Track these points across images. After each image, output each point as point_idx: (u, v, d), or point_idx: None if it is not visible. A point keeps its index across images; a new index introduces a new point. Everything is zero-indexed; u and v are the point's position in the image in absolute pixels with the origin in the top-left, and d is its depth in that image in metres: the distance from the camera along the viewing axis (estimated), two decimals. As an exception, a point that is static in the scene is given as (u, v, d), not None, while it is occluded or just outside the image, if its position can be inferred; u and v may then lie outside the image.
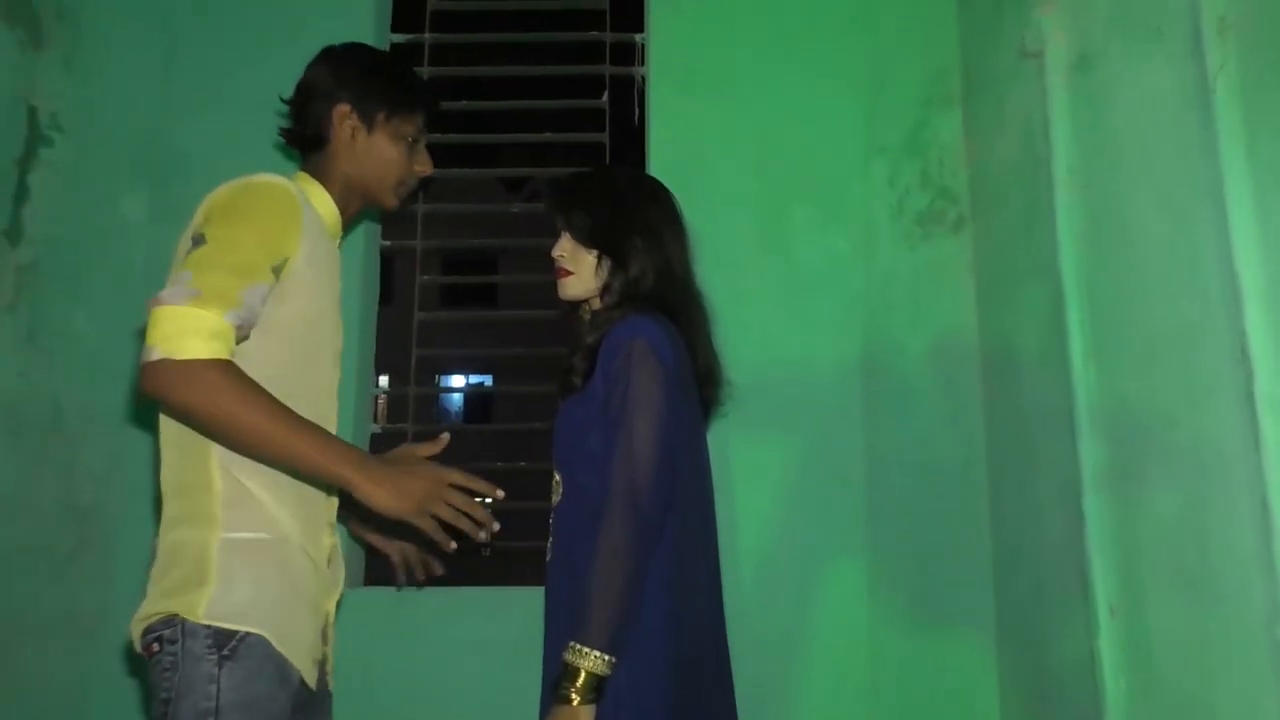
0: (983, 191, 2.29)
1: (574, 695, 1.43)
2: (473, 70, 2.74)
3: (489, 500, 1.47)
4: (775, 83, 2.52)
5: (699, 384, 1.77)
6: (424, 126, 1.67)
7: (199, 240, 1.36)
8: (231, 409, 1.27)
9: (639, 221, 1.75)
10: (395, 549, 1.92)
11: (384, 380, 12.31)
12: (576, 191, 1.81)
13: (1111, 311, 1.66)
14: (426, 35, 2.71)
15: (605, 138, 2.69)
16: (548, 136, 2.72)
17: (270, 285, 1.38)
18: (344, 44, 1.71)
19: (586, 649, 1.44)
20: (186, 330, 1.26)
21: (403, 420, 2.62)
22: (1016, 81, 2.02)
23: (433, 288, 14.64)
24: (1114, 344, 1.65)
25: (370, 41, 2.55)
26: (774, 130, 2.50)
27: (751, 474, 2.33)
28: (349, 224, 1.71)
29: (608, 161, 2.67)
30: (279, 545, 1.41)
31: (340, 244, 1.72)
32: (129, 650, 2.21)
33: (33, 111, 2.27)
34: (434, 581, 2.46)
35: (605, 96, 2.69)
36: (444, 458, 1.51)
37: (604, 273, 1.75)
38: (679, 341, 1.67)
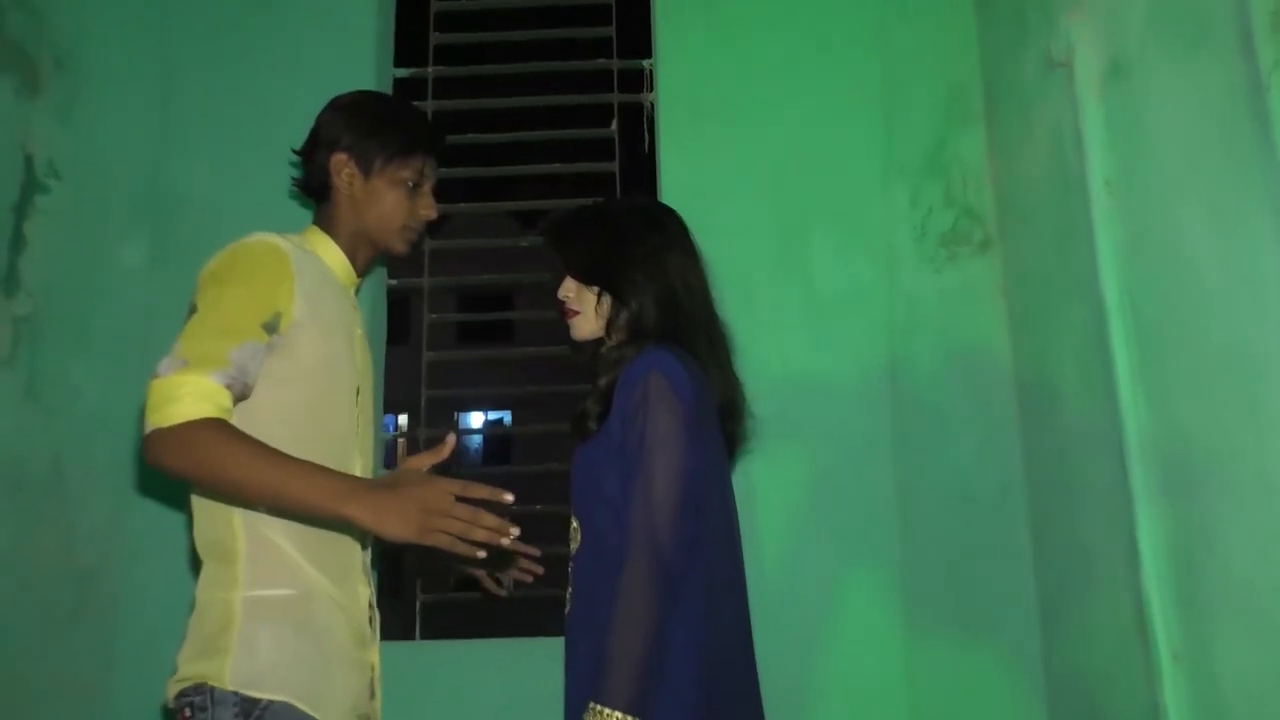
0: (1010, 210, 2.19)
1: None
2: (478, 103, 2.68)
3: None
4: (788, 105, 2.44)
5: (721, 418, 1.67)
6: (427, 170, 1.65)
7: (191, 311, 1.40)
8: (218, 463, 1.27)
9: (637, 252, 1.67)
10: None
11: (402, 419, 12.25)
12: (573, 228, 1.74)
13: (1160, 334, 1.56)
14: (430, 69, 2.65)
15: (615, 167, 2.62)
16: (556, 168, 2.65)
17: (263, 343, 1.39)
18: (351, 92, 1.71)
19: (608, 710, 1.35)
20: (172, 397, 1.29)
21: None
22: (1043, 94, 1.93)
23: (446, 325, 14.67)
24: (1164, 369, 1.55)
25: (372, 77, 2.50)
26: (789, 153, 2.42)
27: (777, 510, 2.23)
28: (365, 269, 1.68)
29: (618, 191, 2.59)
30: (305, 601, 1.40)
31: (358, 289, 1.68)
32: (135, 715, 2.13)
33: (29, 159, 2.21)
34: (449, 633, 2.37)
35: (614, 125, 2.62)
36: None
37: (605, 309, 1.68)
38: (698, 373, 1.58)
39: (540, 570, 1.92)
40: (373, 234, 1.62)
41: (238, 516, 1.41)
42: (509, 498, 1.34)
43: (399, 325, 2.72)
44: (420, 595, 2.40)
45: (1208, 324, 1.41)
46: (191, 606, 1.45)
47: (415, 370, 2.59)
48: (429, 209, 1.65)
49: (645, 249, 1.67)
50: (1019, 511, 2.12)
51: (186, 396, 1.29)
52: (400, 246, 1.65)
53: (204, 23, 2.54)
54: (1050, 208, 1.93)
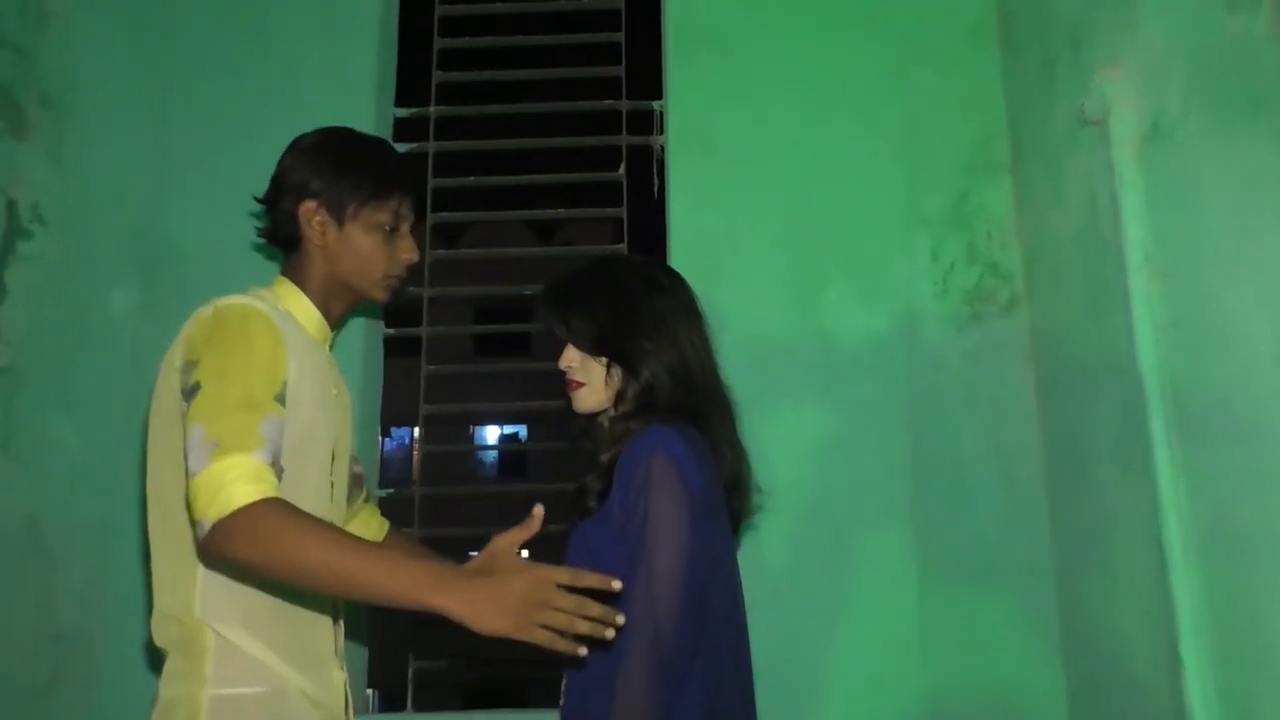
0: (1039, 269, 2.07)
1: None
2: (480, 144, 2.58)
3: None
4: (805, 150, 2.34)
5: (726, 493, 1.57)
6: (404, 210, 1.53)
7: (195, 389, 1.29)
8: (294, 550, 1.17)
9: (645, 320, 1.55)
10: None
11: (417, 432, 12.17)
12: (573, 294, 1.62)
13: (1205, 422, 1.44)
14: (432, 109, 2.56)
15: (623, 212, 2.51)
16: (561, 213, 2.56)
17: (282, 416, 1.30)
18: (315, 131, 1.59)
19: None
20: (222, 484, 1.19)
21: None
22: (1075, 151, 1.81)
23: (463, 338, 14.63)
24: (1210, 460, 1.43)
25: (372, 117, 2.41)
26: (804, 201, 2.31)
27: (789, 582, 2.11)
28: (339, 321, 1.57)
29: (625, 237, 2.49)
30: (277, 698, 1.33)
31: (331, 344, 1.57)
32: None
33: (11, 204, 2.12)
34: (446, 706, 2.26)
35: (622, 168, 2.52)
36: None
37: (615, 381, 1.56)
38: (705, 453, 1.47)
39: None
40: (351, 284, 1.52)
41: (198, 608, 1.32)
42: (618, 585, 1.21)
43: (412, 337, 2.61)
44: (413, 663, 2.29)
45: (1260, 416, 1.29)
46: (153, 701, 1.36)
47: (430, 382, 2.51)
48: (409, 252, 1.54)
49: (653, 315, 1.56)
50: (1048, 590, 1.99)
51: (236, 481, 1.19)
52: (381, 295, 1.54)
53: (198, 61, 2.45)
54: (1083, 272, 1.82)
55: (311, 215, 1.49)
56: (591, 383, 1.58)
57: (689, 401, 1.53)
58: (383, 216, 1.50)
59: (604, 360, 1.56)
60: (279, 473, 1.26)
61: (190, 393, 1.29)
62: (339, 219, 1.49)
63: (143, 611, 2.12)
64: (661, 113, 2.47)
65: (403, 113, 2.54)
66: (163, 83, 2.43)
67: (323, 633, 1.44)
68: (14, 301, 2.10)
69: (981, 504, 2.10)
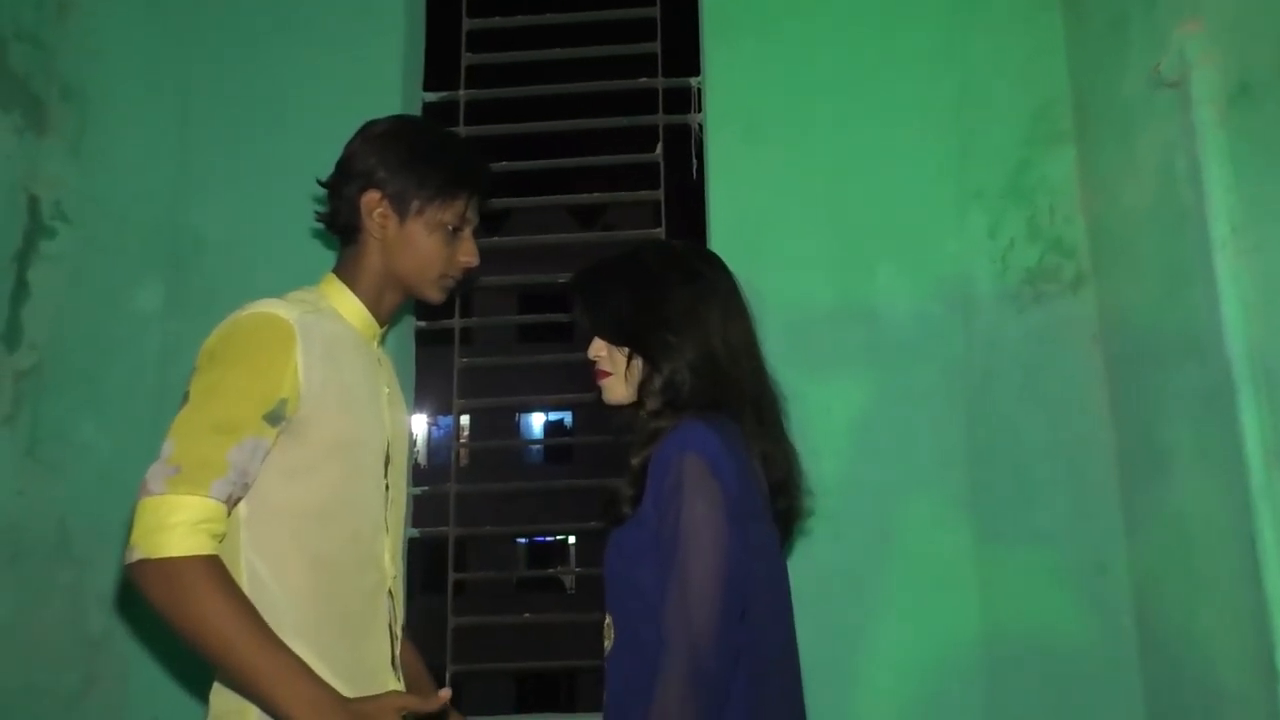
0: (1106, 244, 1.93)
1: None
2: (512, 128, 2.49)
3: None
4: (851, 124, 2.22)
5: (772, 494, 1.47)
6: (470, 212, 1.46)
7: (184, 399, 1.27)
8: (198, 615, 1.17)
9: (669, 310, 1.46)
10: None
11: (465, 420, 12.20)
12: (600, 283, 1.54)
13: (1302, 409, 1.30)
14: (461, 92, 2.47)
15: (660, 194, 2.41)
16: (595, 197, 2.46)
17: (266, 438, 1.26)
18: (389, 118, 1.50)
19: None
20: (164, 524, 1.18)
21: (474, 468, 2.44)
22: (1149, 116, 1.67)
23: (506, 326, 14.60)
24: (1307, 450, 1.29)
25: (399, 102, 2.33)
26: (851, 179, 2.19)
27: (838, 582, 2.01)
28: (390, 318, 1.50)
29: (663, 220, 2.39)
30: None
31: (382, 340, 1.50)
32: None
33: (33, 201, 2.08)
34: (495, 711, 2.18)
35: (659, 149, 2.41)
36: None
37: (636, 373, 1.48)
38: (740, 450, 1.38)
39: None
40: (406, 281, 1.45)
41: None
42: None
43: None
44: (451, 666, 2.22)
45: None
46: (206, 710, 1.31)
47: (476, 372, 2.43)
48: (470, 255, 1.47)
49: (680, 306, 1.46)
50: (1121, 590, 1.86)
51: (179, 525, 1.18)
52: (436, 295, 1.47)
53: (221, 51, 2.39)
54: (1158, 247, 1.68)
55: (374, 207, 1.42)
56: (617, 373, 1.50)
57: (723, 394, 1.43)
58: (447, 216, 1.43)
59: (626, 352, 1.49)
60: (238, 499, 1.25)
61: (181, 402, 1.27)
62: (401, 214, 1.42)
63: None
64: (699, 90, 2.36)
65: (431, 97, 2.46)
66: (185, 73, 2.37)
67: (378, 645, 1.38)
68: (38, 301, 2.05)
69: (1046, 498, 1.97)
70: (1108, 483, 1.91)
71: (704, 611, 1.26)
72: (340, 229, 1.47)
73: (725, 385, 1.44)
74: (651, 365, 1.45)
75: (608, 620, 1.44)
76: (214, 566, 1.19)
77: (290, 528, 1.29)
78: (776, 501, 1.50)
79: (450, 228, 1.43)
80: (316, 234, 2.25)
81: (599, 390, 1.55)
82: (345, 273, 1.46)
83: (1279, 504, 1.35)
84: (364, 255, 1.44)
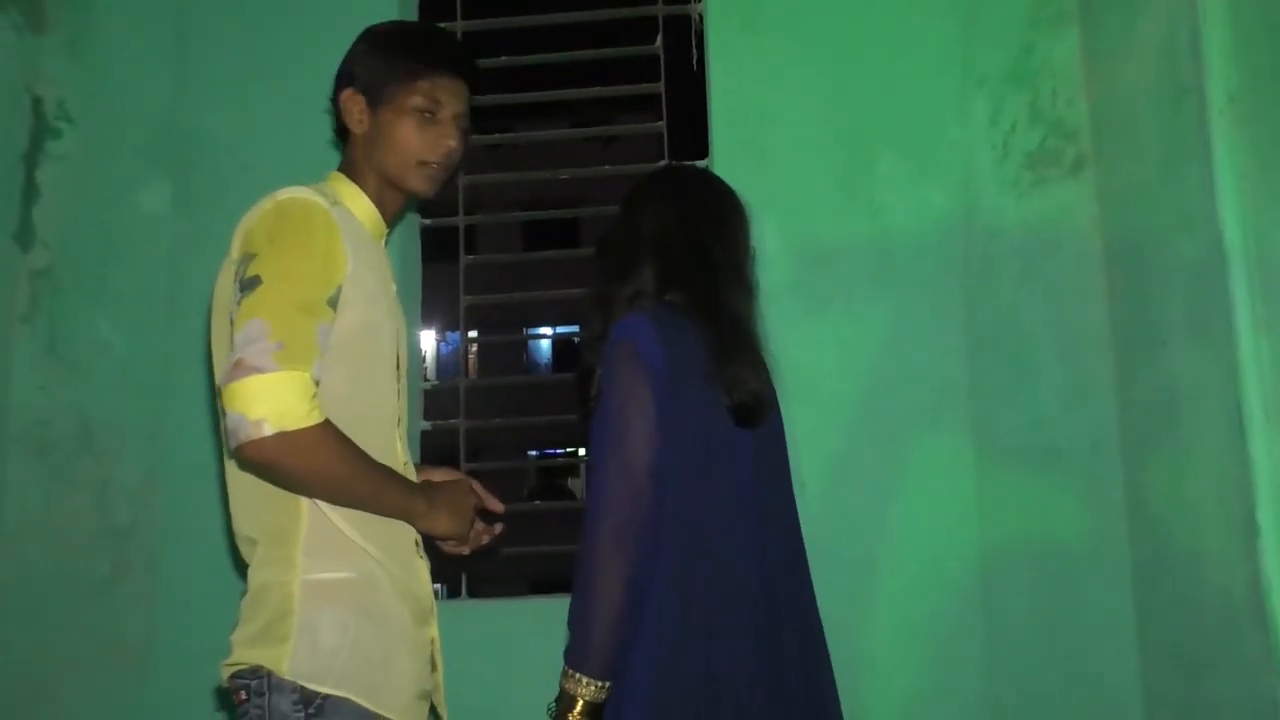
0: (1108, 126, 1.93)
1: None
2: (509, 21, 2.46)
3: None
4: (852, 12, 2.20)
5: (725, 391, 1.42)
6: (441, 94, 1.43)
7: (254, 281, 1.28)
8: (337, 472, 1.29)
9: (626, 221, 1.55)
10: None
11: (473, 333, 12.18)
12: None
13: (1291, 277, 1.32)
14: (461, -18, 2.44)
15: (661, 87, 2.40)
16: (595, 91, 2.44)
17: (332, 321, 1.31)
18: (381, 24, 1.51)
19: (577, 674, 1.33)
20: (292, 399, 1.23)
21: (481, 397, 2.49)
22: (1152, -10, 1.65)
23: (510, 229, 14.47)
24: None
25: (396, 5, 2.30)
26: (852, 67, 2.18)
27: (838, 469, 2.05)
28: (395, 217, 1.51)
29: (664, 112, 2.38)
30: (364, 584, 1.34)
31: (387, 240, 1.51)
32: (179, 677, 2.09)
33: (37, 101, 2.09)
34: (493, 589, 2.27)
35: (659, 40, 2.39)
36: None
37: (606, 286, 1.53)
38: (686, 334, 1.40)
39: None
40: (389, 174, 1.44)
41: (305, 502, 1.33)
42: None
43: (449, 233, 2.56)
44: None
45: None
46: (243, 590, 1.37)
47: (482, 277, 2.45)
48: (448, 138, 1.43)
49: (637, 216, 1.54)
50: (1113, 467, 1.91)
51: (304, 397, 1.24)
52: (421, 185, 1.45)
53: (217, -52, 2.35)
54: (1158, 124, 1.68)
55: (350, 104, 1.43)
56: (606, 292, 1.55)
57: (658, 285, 1.48)
58: (416, 99, 1.41)
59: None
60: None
61: (249, 284, 1.27)
62: (374, 105, 1.42)
63: (196, 504, 2.15)
64: (699, -21, 2.32)
65: (431, -16, 2.43)
66: (182, -30, 2.34)
67: (407, 526, 1.42)
68: (47, 202, 2.08)
69: (1043, 381, 2.01)
70: (1103, 364, 1.95)
71: (616, 486, 1.32)
72: (338, 133, 1.50)
73: (651, 268, 1.47)
74: (610, 274, 1.51)
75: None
76: (335, 428, 1.28)
77: (343, 403, 1.32)
78: (730, 396, 1.43)
79: (423, 112, 1.41)
80: (318, 132, 2.25)
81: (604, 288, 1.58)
82: (348, 172, 1.47)
83: (1265, 370, 1.38)
84: (356, 155, 1.46)
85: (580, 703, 1.32)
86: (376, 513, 1.34)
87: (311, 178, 1.52)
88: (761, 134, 2.19)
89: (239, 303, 1.27)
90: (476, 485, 1.52)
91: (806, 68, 2.19)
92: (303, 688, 1.27)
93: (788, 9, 2.22)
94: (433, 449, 2.39)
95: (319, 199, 1.34)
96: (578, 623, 1.33)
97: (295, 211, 1.31)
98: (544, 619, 2.18)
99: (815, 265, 2.12)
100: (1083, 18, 2.03)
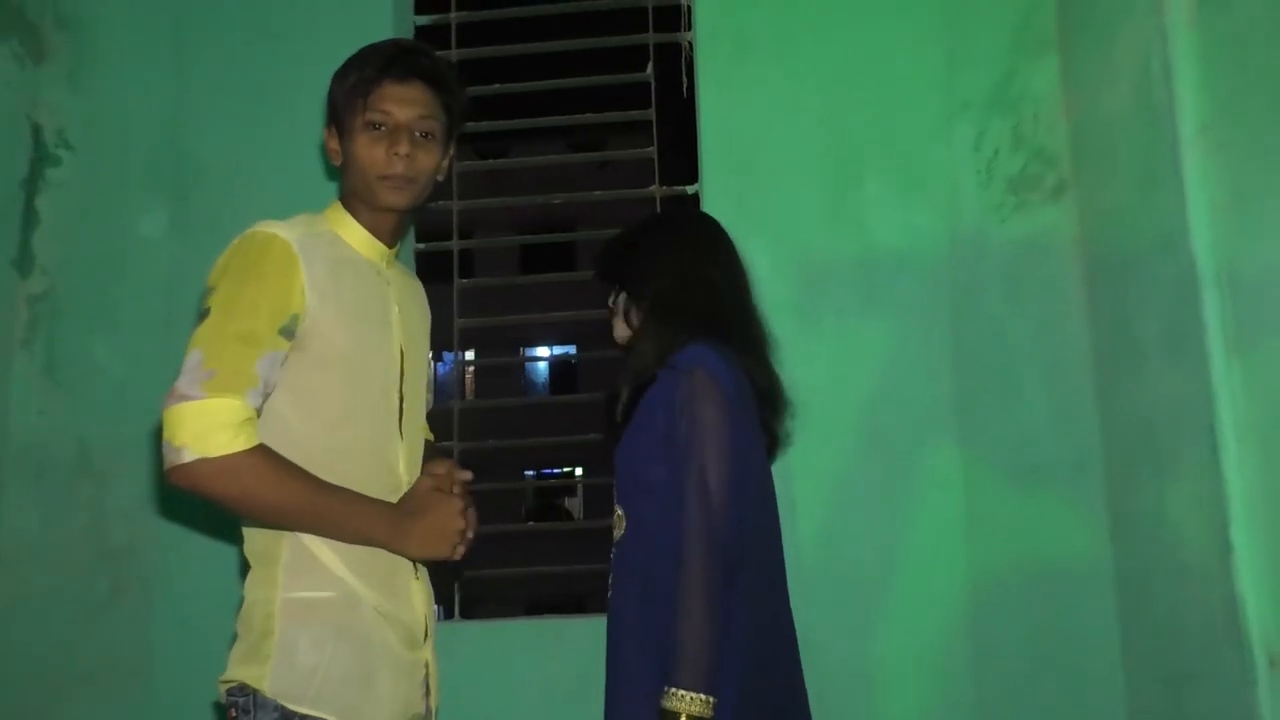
0: (1087, 152, 1.97)
1: None
2: (503, 49, 2.51)
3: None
4: (838, 38, 2.25)
5: (760, 410, 1.64)
6: (387, 103, 1.38)
7: (204, 314, 1.32)
8: (269, 497, 1.29)
9: (644, 246, 1.69)
10: None
11: (469, 355, 12.23)
12: (608, 243, 1.74)
13: (1260, 297, 1.37)
14: (453, 14, 2.49)
15: (652, 114, 2.44)
16: (586, 117, 2.48)
17: (283, 352, 1.33)
18: None
19: (684, 692, 1.38)
20: (214, 425, 1.25)
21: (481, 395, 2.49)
22: (1128, 19, 1.70)
23: (508, 253, 14.52)
24: (1265, 335, 1.36)
25: (391, 26, 2.36)
26: (839, 92, 2.23)
27: (828, 485, 2.09)
28: (394, 238, 1.51)
29: (654, 139, 2.43)
30: (343, 604, 1.35)
31: (388, 260, 1.50)
32: (177, 696, 2.10)
33: (37, 129, 2.13)
34: (491, 612, 2.29)
35: (650, 68, 2.44)
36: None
37: (619, 307, 1.69)
38: (737, 367, 1.56)
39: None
40: (363, 197, 1.43)
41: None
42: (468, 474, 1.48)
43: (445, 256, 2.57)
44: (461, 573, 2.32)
45: (1321, 293, 1.21)
46: (239, 605, 1.41)
47: (477, 300, 2.48)
48: (399, 145, 1.38)
49: (655, 243, 1.68)
50: (1096, 486, 1.94)
51: (229, 425, 1.25)
52: (390, 199, 1.42)
53: (213, -24, 2.40)
54: (1134, 151, 1.72)
55: (328, 140, 1.47)
56: (617, 312, 1.69)
57: (702, 320, 1.59)
58: (366, 116, 1.39)
59: (618, 290, 1.68)
60: (260, 410, 1.32)
61: (200, 316, 1.31)
62: (341, 135, 1.43)
63: (192, 525, 2.18)
64: (689, 7, 2.37)
65: (423, 20, 2.48)
66: (179, 1, 2.38)
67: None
68: (46, 228, 2.12)
69: (1028, 400, 2.04)
70: (1087, 383, 1.98)
71: (719, 498, 1.43)
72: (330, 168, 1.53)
73: (704, 311, 1.60)
74: (631, 295, 1.65)
75: (618, 513, 1.60)
76: (268, 453, 1.28)
77: (296, 436, 1.34)
78: (767, 420, 1.66)
79: (372, 125, 1.38)
80: (314, 157, 2.29)
81: (603, 311, 1.72)
82: (343, 201, 1.48)
83: (1237, 391, 1.41)
84: (343, 186, 1.48)
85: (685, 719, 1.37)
86: (333, 538, 1.34)
87: (307, 201, 1.55)
88: (750, 158, 2.24)
89: (192, 335, 1.30)
90: (440, 477, 1.43)
91: (794, 94, 2.24)
92: (283, 707, 1.29)
93: (775, 37, 2.26)
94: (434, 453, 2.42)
95: (284, 232, 1.34)
96: (681, 634, 1.39)
97: (253, 245, 1.34)
98: (537, 640, 2.21)
99: (804, 285, 2.16)
100: (1062, 46, 2.07)
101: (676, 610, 1.40)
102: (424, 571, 1.48)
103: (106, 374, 2.19)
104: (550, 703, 2.10)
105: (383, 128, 1.39)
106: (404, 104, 1.39)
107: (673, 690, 1.38)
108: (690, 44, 2.36)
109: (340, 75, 1.44)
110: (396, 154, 1.39)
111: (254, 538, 1.38)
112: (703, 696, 1.37)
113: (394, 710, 1.37)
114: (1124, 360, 1.82)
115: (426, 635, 1.45)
